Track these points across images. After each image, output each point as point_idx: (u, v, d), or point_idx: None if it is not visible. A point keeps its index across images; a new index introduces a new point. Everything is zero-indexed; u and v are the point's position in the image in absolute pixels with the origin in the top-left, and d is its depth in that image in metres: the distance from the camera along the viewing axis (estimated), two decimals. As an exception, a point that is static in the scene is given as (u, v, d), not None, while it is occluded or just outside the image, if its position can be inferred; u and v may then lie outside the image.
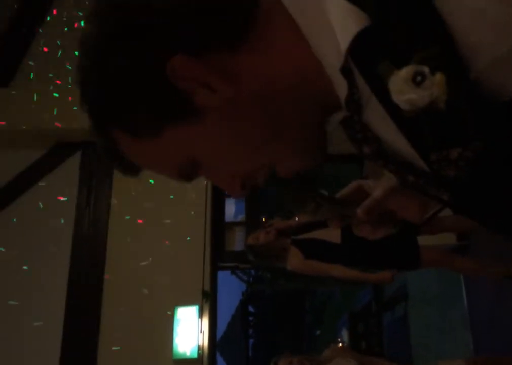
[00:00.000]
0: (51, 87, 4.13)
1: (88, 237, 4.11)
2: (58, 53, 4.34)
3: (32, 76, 4.33)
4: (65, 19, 4.46)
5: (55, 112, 4.00)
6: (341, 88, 0.60)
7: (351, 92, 0.60)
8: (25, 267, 3.95)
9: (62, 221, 4.12)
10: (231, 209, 5.23)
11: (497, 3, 0.48)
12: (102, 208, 4.17)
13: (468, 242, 4.01)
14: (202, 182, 4.17)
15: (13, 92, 4.20)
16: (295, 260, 3.04)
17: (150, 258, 4.00)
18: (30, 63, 4.41)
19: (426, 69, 0.50)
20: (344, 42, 0.55)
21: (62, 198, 4.15)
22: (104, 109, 0.64)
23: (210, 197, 4.24)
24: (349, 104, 0.61)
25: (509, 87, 0.50)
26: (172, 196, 4.15)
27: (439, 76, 0.50)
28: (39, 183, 4.18)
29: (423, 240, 3.15)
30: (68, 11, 4.52)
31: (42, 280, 3.98)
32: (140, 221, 4.10)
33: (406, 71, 0.51)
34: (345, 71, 0.58)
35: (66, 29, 4.37)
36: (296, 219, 3.23)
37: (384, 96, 0.55)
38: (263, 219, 4.48)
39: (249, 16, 0.61)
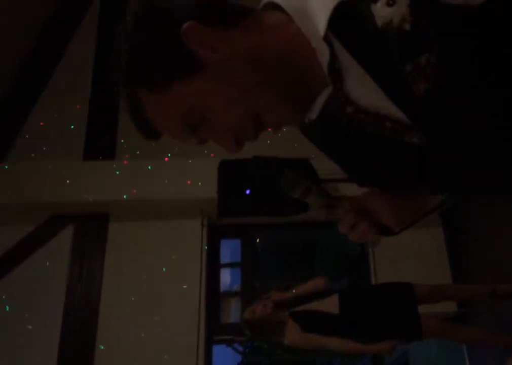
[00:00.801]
0: (45, 161, 4.15)
1: (79, 311, 4.01)
2: (53, 128, 4.41)
3: (26, 151, 4.37)
4: (60, 95, 4.56)
5: (48, 186, 4.01)
6: (324, 57, 0.79)
7: (332, 61, 0.78)
8: (15, 342, 3.85)
9: (53, 295, 4.03)
10: (226, 278, 5.16)
11: None
12: (94, 282, 4.08)
13: (468, 310, 3.94)
14: (197, 252, 4.12)
15: (6, 167, 4.22)
16: (293, 335, 2.96)
17: (143, 333, 3.88)
18: (25, 137, 4.46)
19: None
20: (325, 15, 0.75)
21: (53, 272, 4.08)
22: (132, 70, 0.82)
23: (205, 267, 4.17)
24: (331, 71, 0.79)
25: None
26: (164, 269, 4.08)
27: (404, 0, 0.70)
28: (32, 257, 4.12)
29: (423, 308, 3.09)
30: (63, 86, 4.63)
31: (32, 355, 3.85)
32: (132, 295, 4.02)
33: (381, 1, 0.72)
34: (327, 41, 0.77)
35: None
36: (294, 291, 3.17)
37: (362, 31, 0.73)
38: (257, 285, 4.42)
39: (246, 6, 0.84)
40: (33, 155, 4.33)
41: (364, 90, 0.79)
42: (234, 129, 0.84)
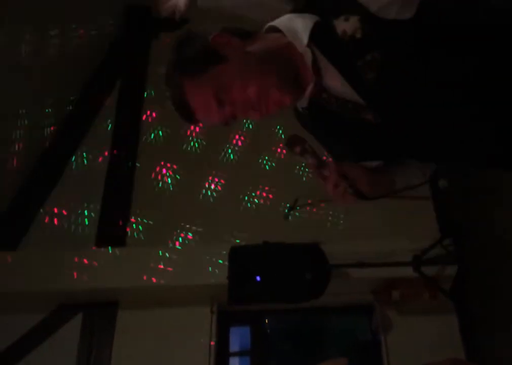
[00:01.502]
0: (55, 251, 4.19)
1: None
2: (65, 217, 4.49)
3: (37, 239, 4.42)
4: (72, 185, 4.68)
5: (58, 275, 4.02)
6: (308, 59, 1.21)
7: (314, 61, 1.20)
8: None
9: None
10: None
11: None
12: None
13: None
14: (206, 340, 4.04)
15: (17, 256, 4.25)
16: None
17: None
18: (37, 226, 4.52)
19: (350, 16, 1.10)
20: (307, 31, 1.18)
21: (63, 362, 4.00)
22: (179, 67, 1.27)
23: (214, 356, 4.07)
24: (314, 69, 1.21)
25: (389, 16, 1.07)
26: (171, 358, 3.99)
27: (356, 17, 1.09)
28: (41, 346, 4.04)
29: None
30: (77, 175, 4.75)
31: None
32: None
33: (340, 18, 1.11)
34: (310, 48, 1.19)
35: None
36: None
37: (331, 40, 1.16)
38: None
39: (254, 30, 1.32)
40: (44, 244, 4.38)
41: (335, 83, 1.20)
42: (249, 100, 1.23)
